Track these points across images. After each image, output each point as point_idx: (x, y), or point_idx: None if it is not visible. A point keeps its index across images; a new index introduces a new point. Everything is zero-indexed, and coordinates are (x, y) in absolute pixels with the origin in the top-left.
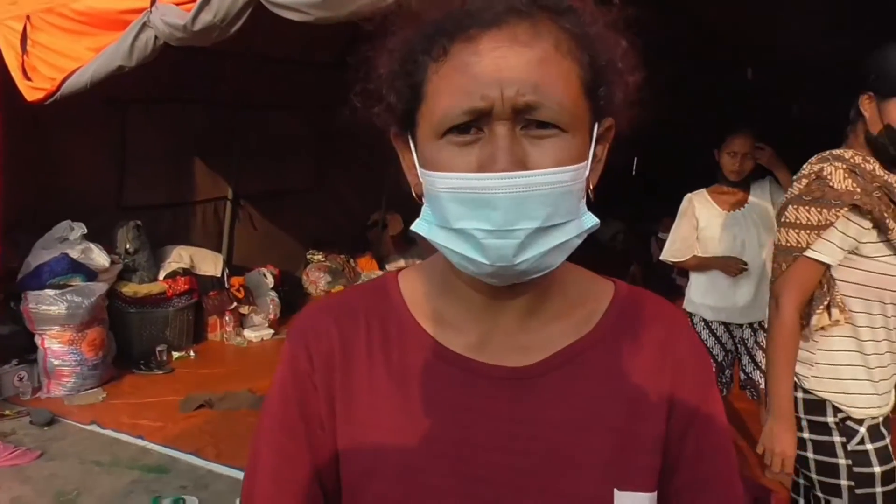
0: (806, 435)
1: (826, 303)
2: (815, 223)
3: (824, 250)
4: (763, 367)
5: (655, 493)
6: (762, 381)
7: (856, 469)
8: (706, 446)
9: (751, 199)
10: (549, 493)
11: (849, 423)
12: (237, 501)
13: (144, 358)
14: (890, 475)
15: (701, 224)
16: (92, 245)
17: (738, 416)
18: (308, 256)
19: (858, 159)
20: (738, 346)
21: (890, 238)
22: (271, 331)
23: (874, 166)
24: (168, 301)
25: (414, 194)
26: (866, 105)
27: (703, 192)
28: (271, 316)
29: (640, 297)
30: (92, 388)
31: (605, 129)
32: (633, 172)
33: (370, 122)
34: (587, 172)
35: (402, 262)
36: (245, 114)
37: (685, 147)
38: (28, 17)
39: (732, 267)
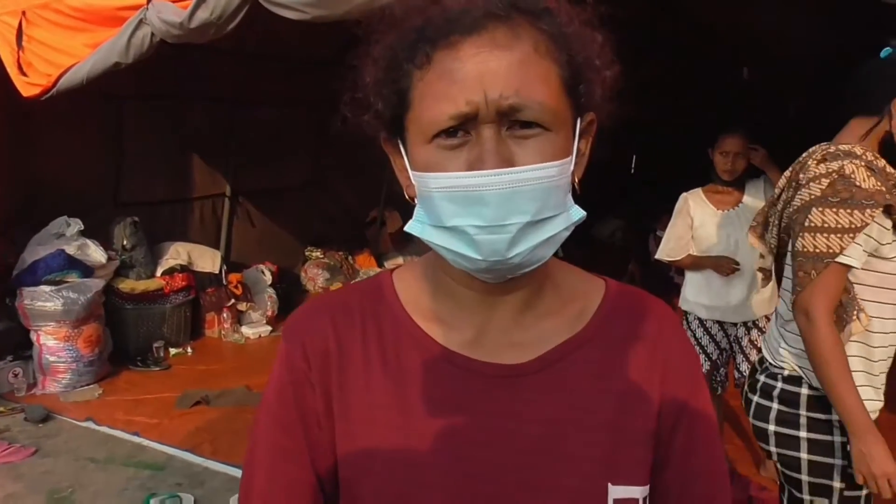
0: (803, 434)
1: (857, 309)
2: (846, 226)
3: (854, 254)
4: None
5: (648, 487)
6: None
7: (849, 470)
8: (694, 441)
9: (745, 198)
10: (544, 488)
11: None
12: (232, 499)
13: (141, 354)
14: None
15: (696, 223)
16: (88, 241)
17: (733, 414)
18: (306, 253)
19: (870, 156)
20: (733, 344)
21: None
22: (269, 328)
23: (883, 163)
24: (165, 297)
25: (406, 196)
26: None
27: (698, 191)
28: (269, 313)
29: (631, 295)
30: (88, 385)
31: (587, 124)
32: (632, 171)
33: (360, 129)
34: (572, 167)
35: (400, 259)
36: (243, 110)
37: (683, 145)
38: (24, 13)
39: (725, 267)
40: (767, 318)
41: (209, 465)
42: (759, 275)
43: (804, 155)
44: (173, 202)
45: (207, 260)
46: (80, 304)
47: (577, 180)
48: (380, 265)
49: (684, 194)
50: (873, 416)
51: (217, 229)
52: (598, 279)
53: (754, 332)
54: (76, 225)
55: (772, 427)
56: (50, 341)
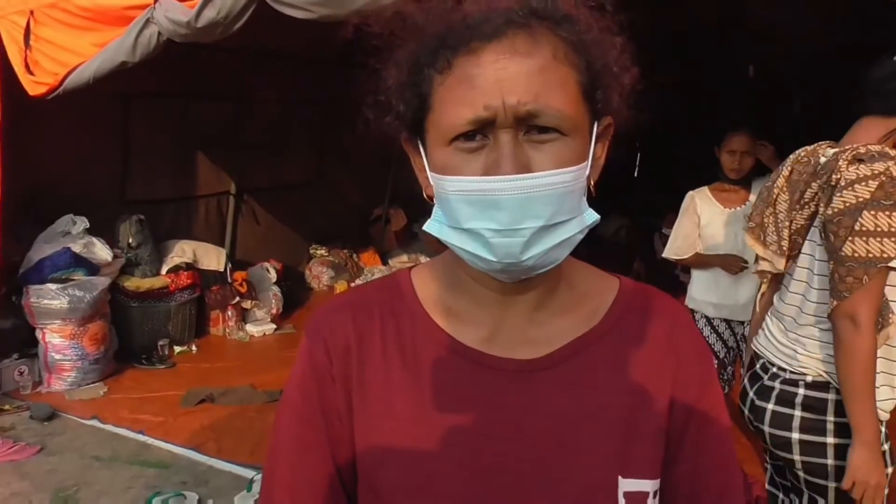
0: (831, 440)
1: (891, 311)
2: None
3: None
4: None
5: (658, 481)
6: None
7: None
8: (706, 438)
9: (752, 196)
10: (555, 480)
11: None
12: (237, 497)
13: (146, 352)
14: (892, 477)
15: (703, 221)
16: (94, 239)
17: (740, 413)
18: (311, 251)
19: None
20: (740, 343)
21: None
22: (273, 326)
23: None
24: (170, 295)
25: (425, 195)
26: None
27: (704, 189)
28: (274, 311)
29: (645, 293)
30: (93, 383)
31: (604, 128)
32: (636, 173)
33: (382, 131)
34: (587, 171)
35: (404, 257)
36: (248, 108)
37: (689, 143)
38: (31, 12)
39: (733, 265)
40: None
41: (214, 464)
42: (758, 277)
43: (801, 153)
44: (179, 200)
45: (212, 258)
46: (85, 302)
47: (592, 183)
48: (384, 263)
49: (690, 193)
50: (888, 414)
51: (222, 227)
52: (612, 277)
53: None
54: (82, 223)
55: (796, 435)
56: (55, 339)
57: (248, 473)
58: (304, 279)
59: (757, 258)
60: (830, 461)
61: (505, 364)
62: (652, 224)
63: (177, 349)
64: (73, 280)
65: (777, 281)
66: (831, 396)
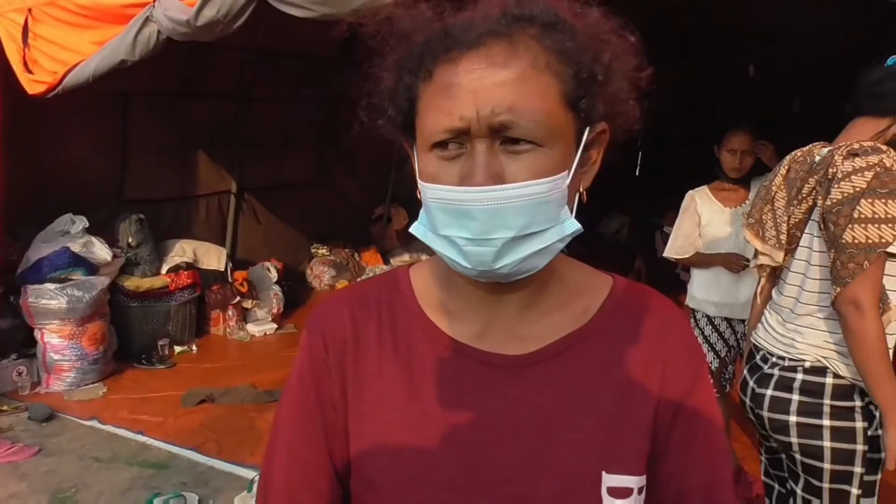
0: (826, 422)
1: (889, 299)
2: (895, 215)
3: None
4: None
5: (644, 478)
6: None
7: (869, 455)
8: (694, 433)
9: (751, 195)
10: (541, 471)
11: (871, 406)
12: (237, 498)
13: (146, 352)
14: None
15: (703, 221)
16: (94, 239)
17: (741, 412)
18: (312, 250)
19: (893, 153)
20: (741, 341)
21: None
22: (274, 325)
23: None
24: (170, 295)
25: (419, 197)
26: None
27: (704, 188)
28: (274, 310)
29: (638, 292)
30: (92, 383)
31: (598, 134)
32: (637, 172)
33: (377, 133)
34: (568, 181)
35: (406, 256)
36: (248, 107)
37: (689, 141)
38: (30, 10)
39: (735, 263)
40: None
41: (214, 464)
42: (758, 272)
43: (797, 153)
44: (179, 199)
45: (213, 257)
46: (84, 301)
47: (583, 189)
48: (386, 262)
49: (690, 192)
50: None
51: (223, 226)
52: (606, 276)
53: None
54: (81, 222)
55: (793, 418)
56: (54, 339)
57: (249, 474)
58: (305, 279)
59: (756, 253)
60: (826, 443)
61: (495, 359)
62: (653, 222)
63: (177, 349)
64: (72, 280)
65: (775, 275)
66: (828, 380)
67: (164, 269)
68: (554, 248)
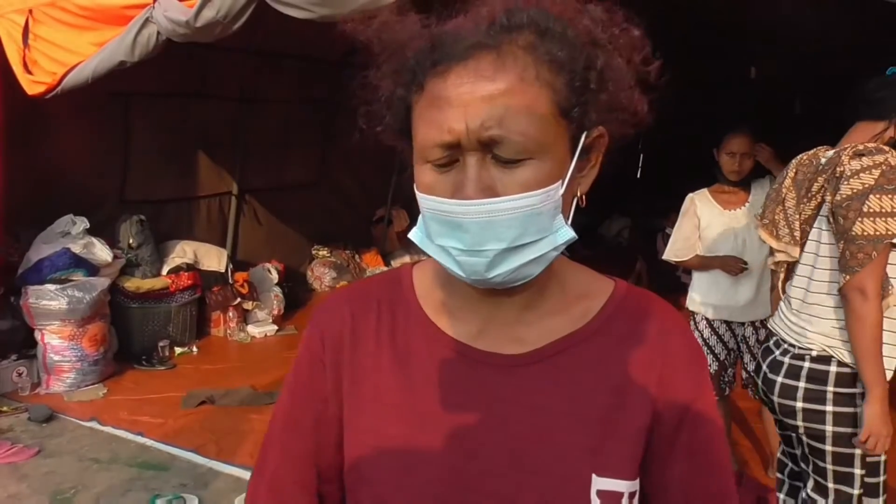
0: (829, 408)
1: (891, 285)
2: None
3: None
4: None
5: (636, 483)
6: None
7: (868, 460)
8: (698, 441)
9: (751, 198)
10: (530, 472)
11: None
12: (237, 499)
13: (146, 353)
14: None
15: (703, 223)
16: (94, 240)
17: (741, 415)
18: (313, 252)
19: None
20: (740, 344)
21: None
22: (275, 327)
23: None
24: (171, 296)
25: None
26: None
27: (704, 191)
28: (275, 312)
29: (638, 296)
30: (92, 384)
31: (595, 139)
32: (638, 174)
33: (378, 139)
34: (561, 191)
35: (406, 258)
36: (250, 108)
37: (690, 144)
38: (30, 11)
39: (733, 266)
40: None
41: (214, 466)
42: (774, 269)
43: (802, 157)
44: (180, 200)
45: (214, 258)
46: (85, 302)
47: (581, 194)
48: (387, 264)
49: (690, 195)
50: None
51: (223, 228)
52: (607, 279)
53: (762, 332)
54: (82, 223)
55: (800, 404)
56: (54, 340)
57: (249, 475)
58: (305, 280)
59: (772, 251)
60: (829, 427)
61: (490, 358)
62: (654, 224)
63: (177, 350)
64: (73, 281)
65: (790, 270)
66: (832, 369)
67: (164, 271)
68: (548, 256)
